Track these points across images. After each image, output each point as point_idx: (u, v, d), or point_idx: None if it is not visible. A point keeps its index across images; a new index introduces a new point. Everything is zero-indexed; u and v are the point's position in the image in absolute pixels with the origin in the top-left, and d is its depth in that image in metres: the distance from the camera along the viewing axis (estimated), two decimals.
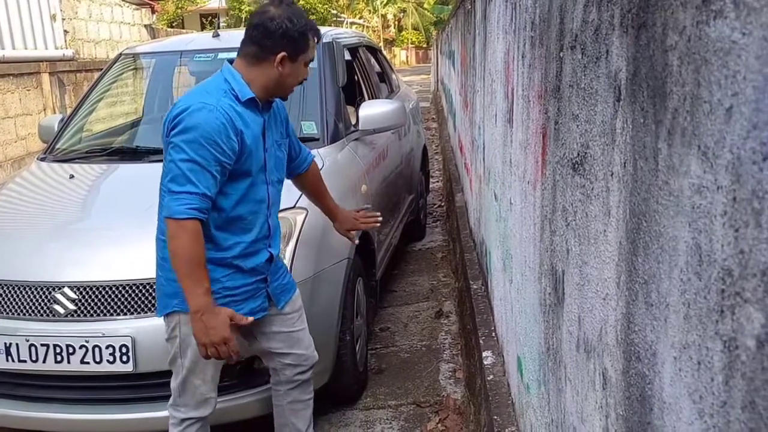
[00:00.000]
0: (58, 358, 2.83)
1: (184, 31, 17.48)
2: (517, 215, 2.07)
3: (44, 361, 2.84)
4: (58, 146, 4.17)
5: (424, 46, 58.99)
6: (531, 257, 1.79)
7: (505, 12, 2.39)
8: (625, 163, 0.93)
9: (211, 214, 2.31)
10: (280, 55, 2.36)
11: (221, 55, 4.31)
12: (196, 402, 2.52)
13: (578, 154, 1.20)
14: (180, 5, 21.62)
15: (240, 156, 2.31)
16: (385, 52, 6.73)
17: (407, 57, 61.37)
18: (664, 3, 0.78)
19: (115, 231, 3.16)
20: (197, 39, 5.03)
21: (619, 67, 0.96)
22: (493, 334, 2.86)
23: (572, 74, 1.26)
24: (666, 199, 0.78)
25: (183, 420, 2.53)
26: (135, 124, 4.69)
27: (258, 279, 2.50)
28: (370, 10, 52.84)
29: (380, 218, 3.07)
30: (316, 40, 2.45)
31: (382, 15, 55.13)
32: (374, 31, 50.32)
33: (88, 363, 2.82)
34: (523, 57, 1.92)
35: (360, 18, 49.88)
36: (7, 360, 2.88)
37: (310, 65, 4.19)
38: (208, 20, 24.99)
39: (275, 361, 2.69)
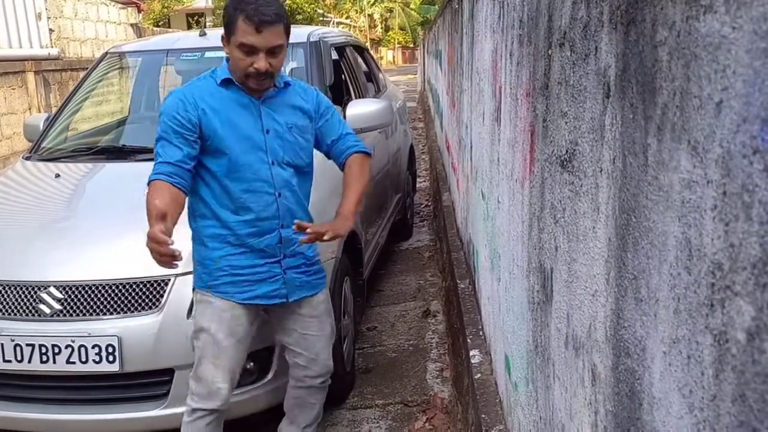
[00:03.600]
0: (44, 358, 2.81)
1: (170, 30, 17.41)
2: (505, 213, 2.07)
3: (30, 361, 2.82)
4: (43, 145, 4.14)
5: (411, 46, 59.03)
6: (519, 255, 1.79)
7: (493, 10, 2.39)
8: (614, 159, 0.93)
9: (205, 189, 2.47)
10: (223, 39, 2.46)
11: (208, 54, 4.30)
12: (208, 392, 2.53)
13: (567, 152, 1.20)
14: (166, 4, 21.49)
15: (206, 130, 2.41)
16: (371, 52, 6.72)
17: (394, 57, 61.40)
18: None
19: (101, 230, 3.14)
20: (184, 38, 5.00)
21: (608, 64, 0.96)
22: (481, 332, 2.86)
23: (561, 72, 1.26)
24: (656, 194, 0.78)
25: (194, 410, 2.55)
26: (121, 123, 4.67)
27: (270, 262, 2.53)
28: (356, 10, 52.78)
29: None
30: (252, 26, 2.32)
31: (368, 15, 55.08)
32: (361, 30, 50.27)
33: (74, 363, 2.80)
34: (511, 55, 1.93)
35: (347, 18, 49.83)
36: None
37: (299, 64, 4.19)
38: (195, 19, 24.88)
39: (289, 356, 2.74)
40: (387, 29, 60.06)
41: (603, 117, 0.98)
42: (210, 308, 2.53)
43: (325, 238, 2.47)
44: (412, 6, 40.42)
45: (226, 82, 2.48)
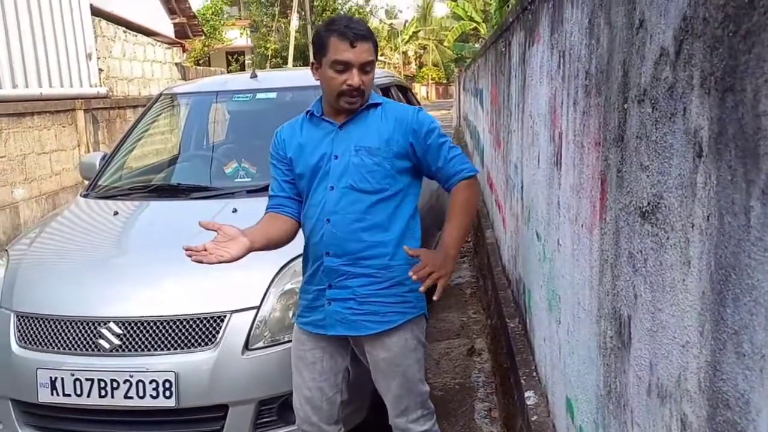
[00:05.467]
0: (102, 392, 2.87)
1: (212, 69, 17.78)
2: (568, 257, 2.09)
3: (89, 396, 2.89)
4: (100, 183, 4.26)
5: (444, 82, 59.54)
6: (587, 300, 1.81)
7: (551, 58, 2.44)
8: (708, 216, 0.96)
9: None
10: (313, 66, 2.50)
11: (259, 96, 4.42)
12: (296, 414, 2.66)
13: (649, 203, 1.24)
14: (206, 43, 21.99)
15: (291, 161, 2.56)
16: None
17: (428, 92, 61.82)
18: (755, 71, 0.82)
19: (159, 267, 3.22)
20: (235, 80, 5.14)
21: (699, 125, 1.00)
22: (535, 374, 2.86)
23: (640, 126, 1.30)
24: (760, 255, 0.81)
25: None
26: (173, 161, 4.79)
27: (318, 289, 2.51)
28: (391, 47, 53.44)
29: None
30: (346, 41, 2.35)
31: (403, 52, 55.72)
32: (395, 67, 50.80)
33: (131, 398, 2.86)
34: (575, 104, 1.97)
35: (381, 55, 50.38)
36: (52, 394, 2.93)
37: None
38: (234, 57, 25.43)
39: None
40: (421, 66, 60.67)
41: (694, 175, 1.01)
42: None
43: (421, 289, 2.46)
44: (446, 43, 40.80)
45: (310, 115, 2.57)
